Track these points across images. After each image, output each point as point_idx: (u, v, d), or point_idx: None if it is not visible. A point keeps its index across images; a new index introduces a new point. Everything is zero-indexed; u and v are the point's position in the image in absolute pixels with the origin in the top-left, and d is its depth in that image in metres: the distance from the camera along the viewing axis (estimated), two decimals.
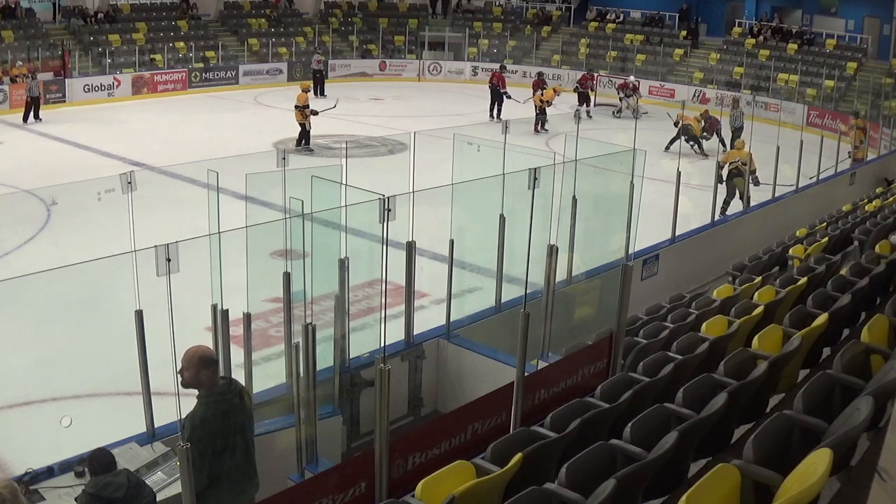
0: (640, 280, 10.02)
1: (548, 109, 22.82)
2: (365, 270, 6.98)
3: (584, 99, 26.24)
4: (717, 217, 12.70)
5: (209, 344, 5.69)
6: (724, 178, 14.24)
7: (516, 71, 30.97)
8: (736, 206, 14.25)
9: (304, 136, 19.61)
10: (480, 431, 5.54)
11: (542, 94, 22.81)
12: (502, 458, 4.52)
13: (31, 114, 22.71)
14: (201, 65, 29.07)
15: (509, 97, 24.40)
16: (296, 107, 19.74)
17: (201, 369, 4.65)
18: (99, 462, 4.81)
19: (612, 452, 4.29)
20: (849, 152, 18.53)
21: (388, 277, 5.67)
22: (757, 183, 14.26)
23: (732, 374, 5.06)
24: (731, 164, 14.40)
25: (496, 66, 28.00)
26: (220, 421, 4.65)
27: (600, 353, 6.24)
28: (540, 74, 25.63)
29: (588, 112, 23.62)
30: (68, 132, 21.01)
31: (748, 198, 14.20)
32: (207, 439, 4.59)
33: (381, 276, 5.30)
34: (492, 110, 24.60)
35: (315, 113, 19.61)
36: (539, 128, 22.34)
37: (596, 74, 28.06)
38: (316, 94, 27.97)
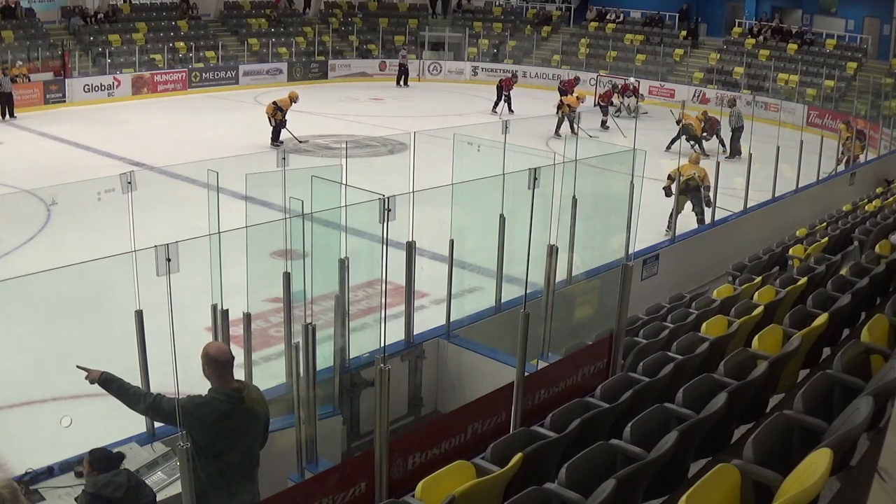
0: (640, 280, 10.02)
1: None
2: (365, 270, 6.97)
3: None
4: (667, 233, 12.07)
5: None
6: (675, 191, 12.92)
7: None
8: (689, 223, 13.15)
9: (276, 133, 19.80)
10: (480, 431, 5.54)
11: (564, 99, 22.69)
12: (502, 458, 4.52)
13: (7, 111, 22.69)
14: (201, 65, 29.08)
15: (509, 100, 25.23)
16: (274, 103, 19.83)
17: (205, 366, 4.69)
18: (108, 459, 4.80)
19: (612, 452, 4.29)
20: (842, 153, 18.52)
21: (388, 277, 5.67)
22: (709, 203, 12.71)
23: (732, 374, 5.06)
24: (684, 178, 13.01)
25: (494, 65, 28.40)
26: (214, 419, 4.63)
27: (600, 353, 6.24)
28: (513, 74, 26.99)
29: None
30: (68, 132, 20.99)
31: (702, 216, 12.96)
32: (196, 425, 4.58)
33: (381, 276, 5.30)
34: (495, 107, 25.29)
35: (283, 121, 19.69)
36: (559, 132, 22.09)
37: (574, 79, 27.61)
38: (398, 84, 31.00)
